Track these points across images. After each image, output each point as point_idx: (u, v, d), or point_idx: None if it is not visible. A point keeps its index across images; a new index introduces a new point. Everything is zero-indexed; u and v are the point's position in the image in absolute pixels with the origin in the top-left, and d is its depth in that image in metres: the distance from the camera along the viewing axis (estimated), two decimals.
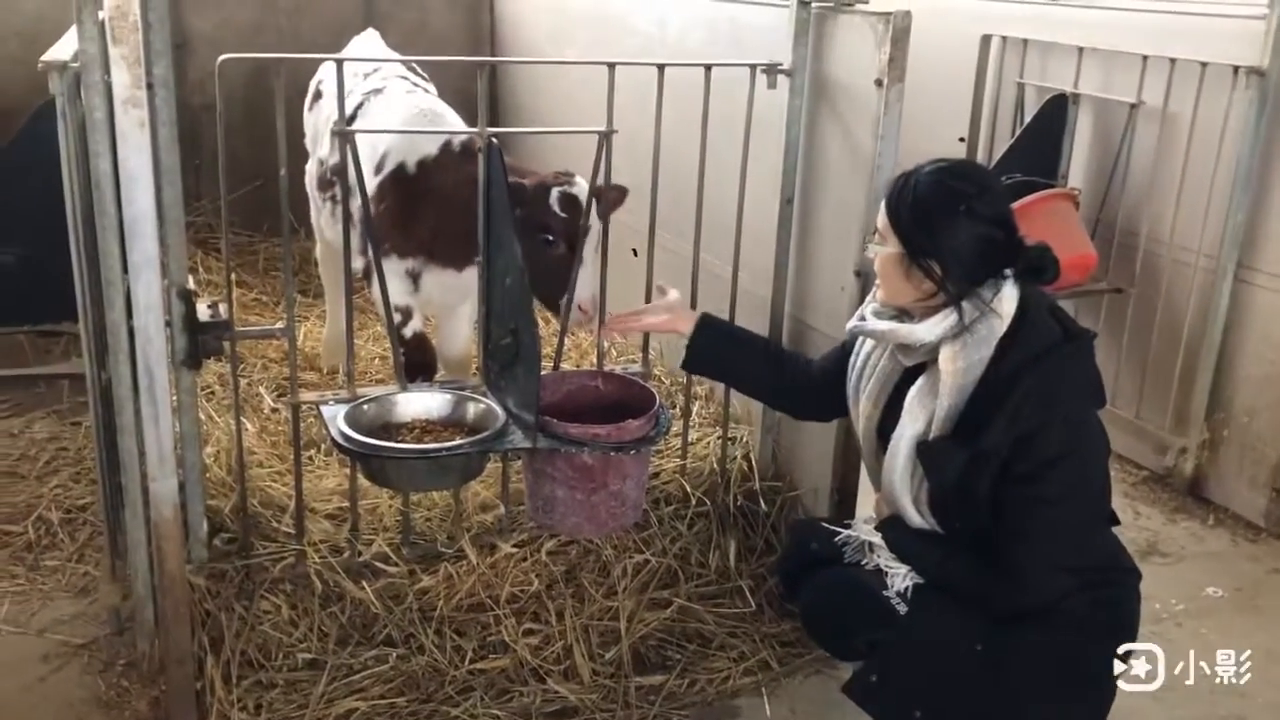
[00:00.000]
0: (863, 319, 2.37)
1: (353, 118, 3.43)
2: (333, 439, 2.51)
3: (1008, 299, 2.18)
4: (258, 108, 4.76)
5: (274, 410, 3.74)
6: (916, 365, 2.30)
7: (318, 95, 3.88)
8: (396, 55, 4.05)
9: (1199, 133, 3.69)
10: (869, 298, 2.41)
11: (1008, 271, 2.21)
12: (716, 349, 2.68)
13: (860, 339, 2.45)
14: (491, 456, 2.69)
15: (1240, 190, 3.59)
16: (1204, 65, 3.62)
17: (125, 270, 2.23)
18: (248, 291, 4.91)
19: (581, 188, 2.97)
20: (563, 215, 2.96)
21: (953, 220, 2.18)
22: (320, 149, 3.59)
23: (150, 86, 2.22)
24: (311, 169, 3.76)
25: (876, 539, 2.38)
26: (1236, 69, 3.54)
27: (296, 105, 3.91)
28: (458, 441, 2.54)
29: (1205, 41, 3.67)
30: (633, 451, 2.54)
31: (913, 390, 2.26)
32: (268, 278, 5.14)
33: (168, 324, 2.32)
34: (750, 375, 2.72)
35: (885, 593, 2.33)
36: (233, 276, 2.97)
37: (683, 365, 2.76)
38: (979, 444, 2.14)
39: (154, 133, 2.20)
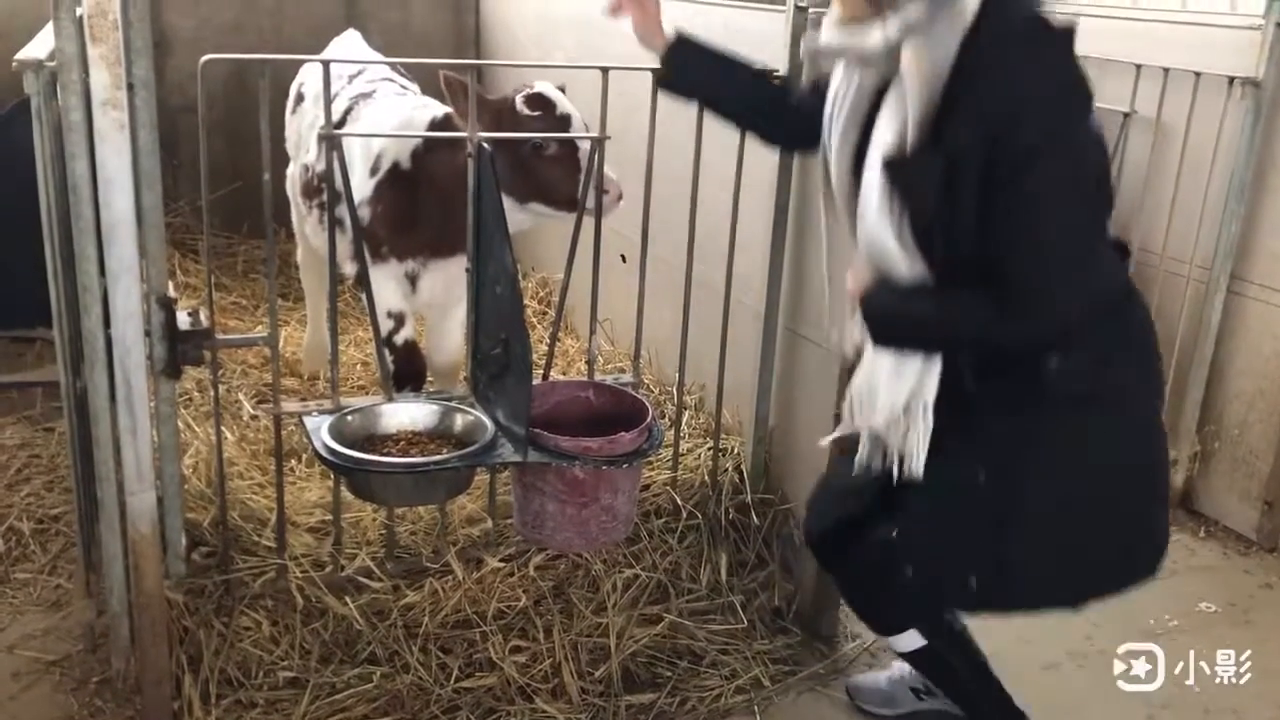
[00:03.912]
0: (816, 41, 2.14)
1: (341, 122, 3.35)
2: (316, 452, 2.44)
3: None
4: (237, 108, 4.72)
5: (253, 418, 3.66)
6: (882, 93, 2.06)
7: (299, 98, 3.80)
8: (381, 56, 3.98)
9: (1192, 143, 3.66)
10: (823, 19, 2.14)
11: None
12: (698, 62, 2.51)
13: (833, 90, 2.18)
14: (479, 469, 2.63)
15: (1234, 202, 3.57)
16: (1198, 75, 3.59)
17: (102, 275, 2.16)
18: (227, 294, 4.82)
19: (542, 85, 2.92)
20: (536, 114, 2.92)
21: None
22: (305, 154, 3.51)
23: (130, 87, 2.14)
24: (294, 173, 3.68)
25: (880, 422, 2.14)
26: (1231, 79, 3.51)
27: (278, 107, 3.84)
28: (445, 455, 2.47)
29: (1200, 51, 3.64)
30: (625, 465, 2.48)
31: (881, 110, 2.03)
32: (247, 280, 5.05)
33: (147, 332, 2.25)
34: (730, 91, 2.57)
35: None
36: (212, 281, 2.89)
37: (662, 85, 2.59)
38: (949, 142, 1.90)
39: (134, 135, 2.13)
